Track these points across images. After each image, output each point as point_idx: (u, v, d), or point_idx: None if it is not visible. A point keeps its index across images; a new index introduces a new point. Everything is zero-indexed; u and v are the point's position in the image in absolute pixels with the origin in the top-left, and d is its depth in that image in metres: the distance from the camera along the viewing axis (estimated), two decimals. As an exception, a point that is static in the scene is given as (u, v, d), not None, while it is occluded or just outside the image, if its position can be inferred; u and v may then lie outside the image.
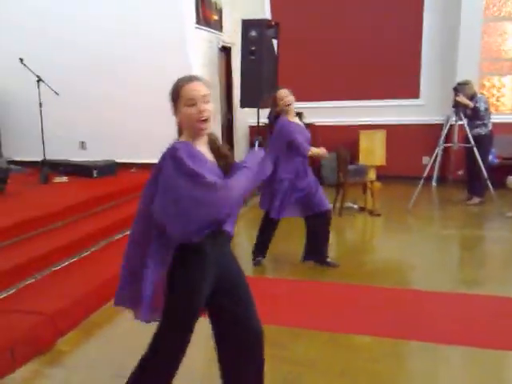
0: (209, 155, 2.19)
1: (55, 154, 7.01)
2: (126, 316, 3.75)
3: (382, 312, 3.89)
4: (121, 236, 5.19)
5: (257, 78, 7.59)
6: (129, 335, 3.57)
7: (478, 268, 4.94)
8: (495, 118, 7.59)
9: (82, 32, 7.19)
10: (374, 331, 3.56)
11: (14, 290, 3.83)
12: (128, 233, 2.32)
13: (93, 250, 4.81)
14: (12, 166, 7.05)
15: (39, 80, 6.59)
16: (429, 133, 8.95)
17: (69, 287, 3.94)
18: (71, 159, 7.18)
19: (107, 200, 5.72)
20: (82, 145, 7.59)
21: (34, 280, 4.03)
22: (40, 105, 6.56)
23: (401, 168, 9.11)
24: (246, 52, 7.76)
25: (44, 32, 7.26)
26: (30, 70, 6.56)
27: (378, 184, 7.22)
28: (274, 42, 8.08)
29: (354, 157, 8.71)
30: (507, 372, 3.14)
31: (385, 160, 9.07)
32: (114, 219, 5.28)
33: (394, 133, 9.06)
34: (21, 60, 6.56)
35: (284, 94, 4.62)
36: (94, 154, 7.33)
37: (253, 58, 7.66)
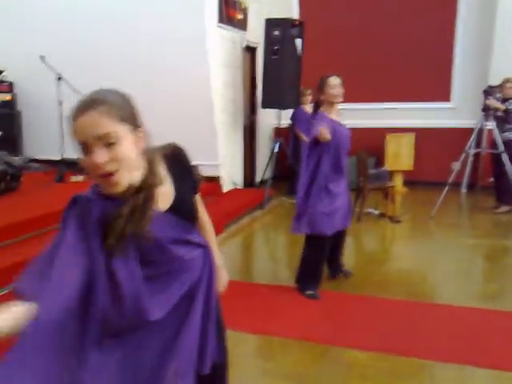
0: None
1: (75, 153, 7.03)
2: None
3: (385, 326, 3.68)
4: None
5: (278, 78, 7.44)
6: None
7: (500, 281, 4.66)
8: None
9: (103, 31, 7.19)
10: (370, 346, 3.36)
11: (5, 292, 3.78)
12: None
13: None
14: (32, 164, 7.14)
15: (59, 78, 6.62)
16: (460, 137, 8.57)
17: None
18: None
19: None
20: (102, 144, 7.60)
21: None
22: (60, 103, 6.60)
23: (429, 173, 8.81)
24: (268, 51, 7.62)
25: (64, 31, 7.30)
26: (50, 67, 6.60)
27: (402, 189, 6.98)
28: (298, 41, 7.90)
29: (380, 161, 8.45)
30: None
31: (412, 165, 8.79)
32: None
33: (423, 136, 8.75)
34: (42, 58, 6.61)
35: (336, 82, 4.07)
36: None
37: (275, 57, 7.52)
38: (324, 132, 3.84)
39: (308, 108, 7.41)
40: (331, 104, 4.14)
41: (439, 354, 3.23)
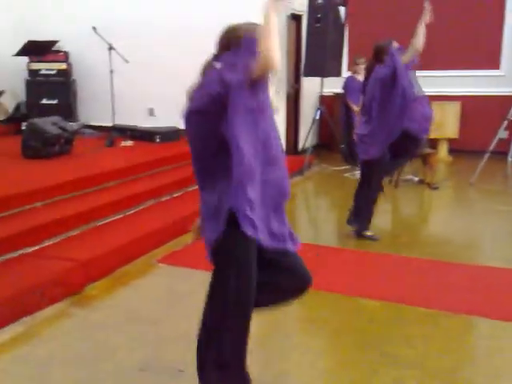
0: None
1: (126, 119, 7.46)
2: (155, 270, 4.10)
3: (398, 279, 3.90)
4: (168, 197, 5.51)
5: (321, 47, 7.55)
6: (153, 287, 3.87)
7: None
8: None
9: (149, 3, 7.51)
10: (380, 296, 3.59)
11: (57, 240, 4.22)
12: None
13: (140, 208, 5.14)
14: (86, 130, 7.62)
15: (110, 48, 7.00)
16: (510, 105, 8.46)
17: (107, 239, 4.29)
18: (140, 125, 7.59)
19: (159, 164, 6.05)
20: (151, 111, 7.98)
21: (78, 232, 4.42)
22: (111, 72, 7.00)
23: (476, 142, 8.71)
24: (311, 20, 7.72)
25: (116, 3, 7.66)
26: (102, 37, 6.98)
27: (446, 158, 7.00)
28: (342, 9, 7.94)
29: (424, 129, 8.44)
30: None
31: (458, 133, 8.74)
32: (163, 182, 5.60)
33: (470, 105, 8.68)
34: (94, 28, 7.00)
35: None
36: (162, 121, 7.67)
37: (318, 25, 7.61)
38: None
39: (360, 77, 7.49)
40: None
41: (446, 305, 3.43)
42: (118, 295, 3.73)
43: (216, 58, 2.17)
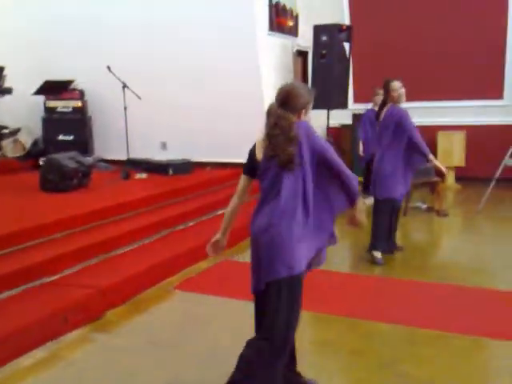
0: None
1: (139, 153, 7.68)
2: (172, 296, 4.22)
3: (409, 303, 3.99)
4: (182, 227, 5.67)
5: (326, 80, 7.81)
6: (171, 312, 4.00)
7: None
8: None
9: (160, 42, 7.80)
10: (394, 319, 3.69)
11: (77, 269, 4.37)
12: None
13: (156, 237, 5.30)
14: (101, 164, 7.85)
15: (124, 86, 7.26)
16: (512, 134, 8.63)
17: (125, 268, 4.43)
18: (153, 158, 7.81)
19: (172, 196, 6.23)
20: (164, 145, 8.21)
21: (97, 261, 4.57)
22: (125, 108, 7.25)
23: (481, 170, 8.83)
24: (316, 56, 8.02)
25: (127, 43, 7.95)
26: (116, 76, 7.25)
27: (454, 186, 7.11)
28: (346, 45, 8.23)
29: (431, 158, 8.58)
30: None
31: (464, 161, 8.88)
32: (177, 212, 5.77)
33: (475, 134, 8.84)
34: (108, 68, 7.28)
35: (398, 86, 4.87)
36: (174, 154, 7.89)
37: (323, 61, 7.90)
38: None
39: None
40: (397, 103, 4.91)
41: (456, 327, 3.52)
42: (137, 321, 3.85)
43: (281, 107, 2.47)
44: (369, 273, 4.81)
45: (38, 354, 3.28)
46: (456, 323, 3.61)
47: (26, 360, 3.20)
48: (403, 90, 4.86)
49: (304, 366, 3.06)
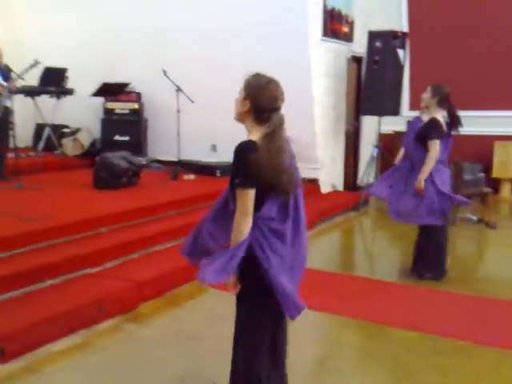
0: None
1: (190, 154, 7.90)
2: (204, 293, 4.35)
3: (441, 313, 3.95)
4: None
5: (378, 87, 7.76)
6: (199, 308, 4.13)
7: None
8: None
9: (213, 48, 7.98)
10: (420, 328, 3.67)
11: (118, 262, 4.59)
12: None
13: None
14: (153, 164, 8.14)
15: (178, 89, 7.50)
16: None
17: (162, 263, 4.61)
18: (202, 160, 8.02)
19: (216, 196, 6.34)
20: (214, 147, 8.41)
21: (137, 256, 4.77)
22: (178, 111, 7.49)
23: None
24: (369, 62, 7.98)
25: (182, 49, 8.18)
26: (171, 80, 7.50)
27: (510, 197, 6.88)
28: (401, 51, 8.14)
29: (487, 169, 8.34)
30: None
31: (521, 173, 8.58)
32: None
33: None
34: (164, 72, 7.54)
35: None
36: (223, 156, 8.06)
37: (376, 67, 7.85)
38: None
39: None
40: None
41: (481, 338, 3.47)
42: (167, 314, 4.01)
43: None
44: (403, 281, 4.76)
45: (70, 340, 3.48)
46: (484, 335, 3.55)
47: (58, 345, 3.41)
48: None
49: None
